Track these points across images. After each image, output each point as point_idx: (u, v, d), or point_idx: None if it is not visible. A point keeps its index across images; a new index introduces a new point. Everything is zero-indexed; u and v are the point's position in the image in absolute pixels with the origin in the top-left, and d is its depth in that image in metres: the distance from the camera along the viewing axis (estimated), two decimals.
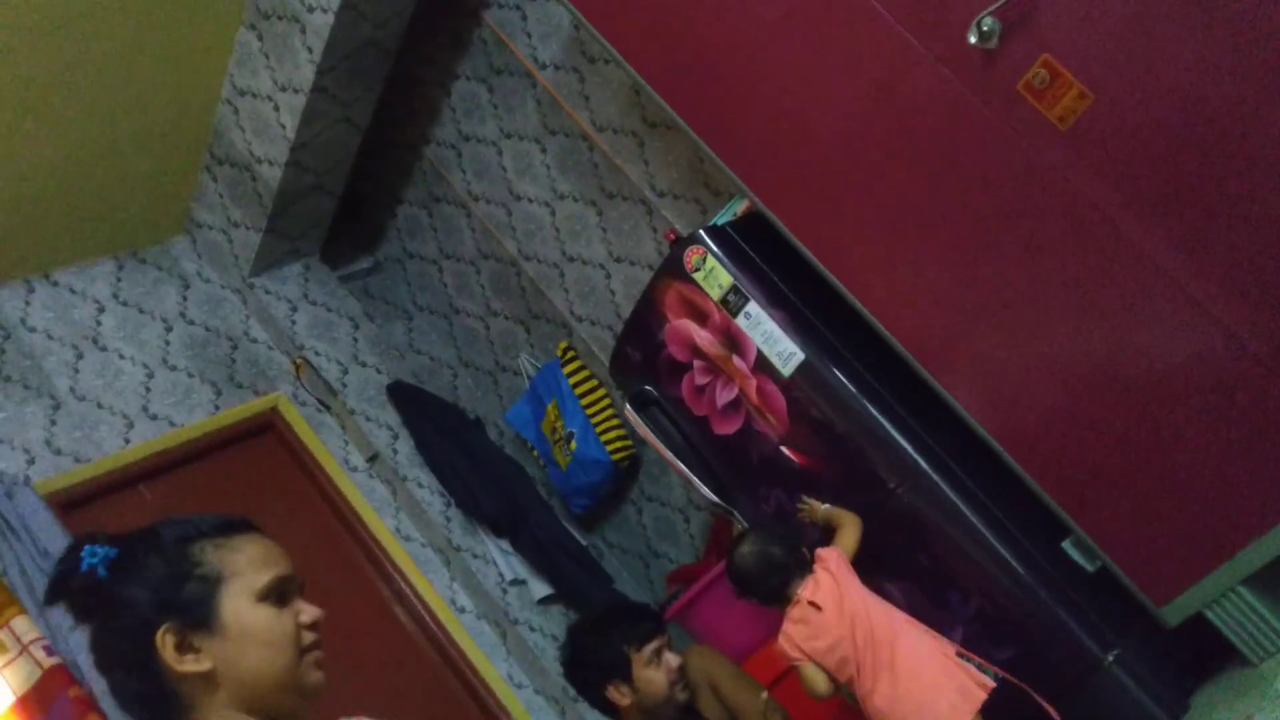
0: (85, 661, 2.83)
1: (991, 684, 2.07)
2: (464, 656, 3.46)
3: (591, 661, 2.47)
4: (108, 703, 2.77)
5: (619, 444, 3.51)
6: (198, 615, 1.16)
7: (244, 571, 1.19)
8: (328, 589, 3.46)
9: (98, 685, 2.80)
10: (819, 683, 2.20)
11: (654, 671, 2.41)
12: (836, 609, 2.18)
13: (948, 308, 2.13)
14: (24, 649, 2.86)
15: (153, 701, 1.18)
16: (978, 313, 2.09)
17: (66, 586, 1.19)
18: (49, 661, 2.85)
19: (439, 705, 3.42)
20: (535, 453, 3.74)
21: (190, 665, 1.15)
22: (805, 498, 2.44)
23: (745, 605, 3.02)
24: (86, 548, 1.18)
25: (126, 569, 1.18)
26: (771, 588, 2.26)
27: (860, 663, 2.13)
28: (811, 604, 2.20)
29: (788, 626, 2.24)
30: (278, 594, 1.21)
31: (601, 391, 3.57)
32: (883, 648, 2.12)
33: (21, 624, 2.88)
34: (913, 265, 2.15)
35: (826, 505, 2.41)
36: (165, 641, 1.15)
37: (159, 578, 1.17)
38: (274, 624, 1.18)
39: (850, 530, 2.32)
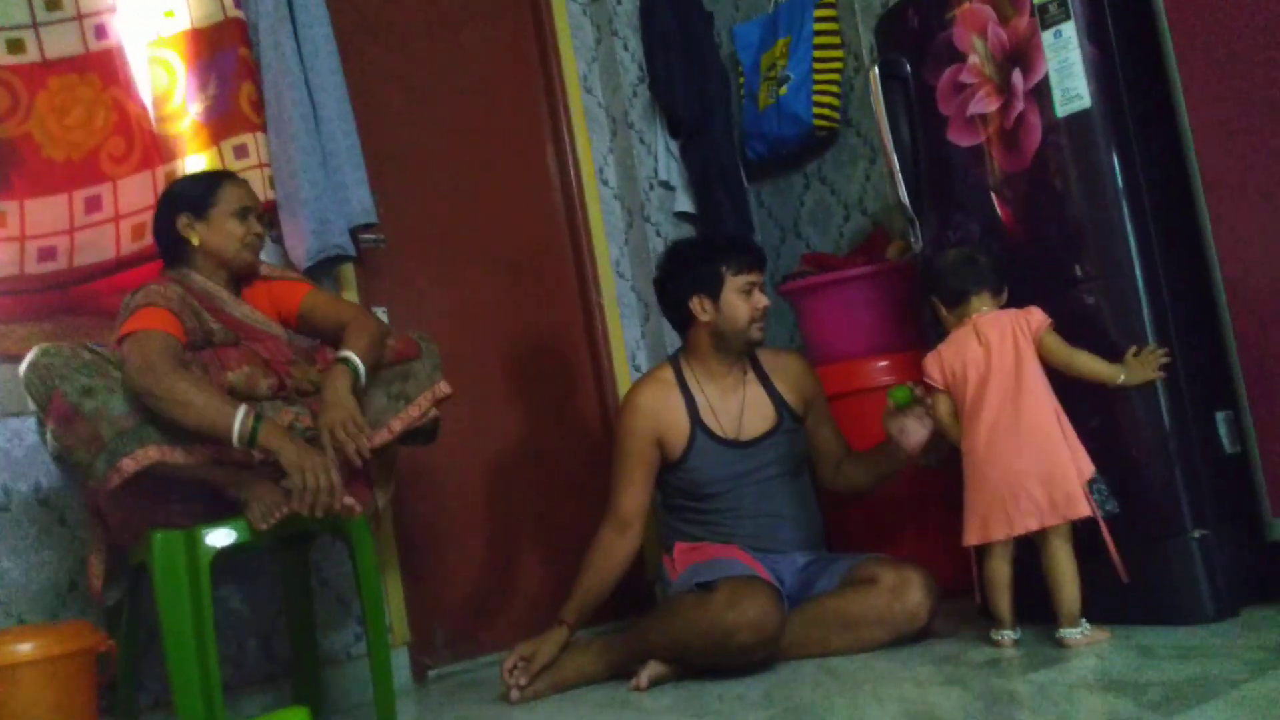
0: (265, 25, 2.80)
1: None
2: (586, 222, 3.46)
3: (688, 272, 2.53)
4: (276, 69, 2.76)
5: (827, 111, 3.34)
6: None
7: None
8: (493, 96, 3.42)
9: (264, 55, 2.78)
10: (943, 408, 2.21)
11: (741, 300, 2.48)
12: (994, 348, 2.12)
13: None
14: None
15: None
16: None
17: None
18: (234, 12, 2.85)
19: (545, 256, 3.43)
20: (742, 79, 3.58)
21: None
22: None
23: (859, 318, 2.99)
24: None
25: None
26: (958, 289, 2.20)
27: (984, 401, 2.10)
28: (976, 330, 2.15)
29: (942, 346, 2.22)
30: None
31: (839, 53, 3.35)
32: (1009, 398, 2.07)
33: None
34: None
35: None
36: None
37: None
38: None
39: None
